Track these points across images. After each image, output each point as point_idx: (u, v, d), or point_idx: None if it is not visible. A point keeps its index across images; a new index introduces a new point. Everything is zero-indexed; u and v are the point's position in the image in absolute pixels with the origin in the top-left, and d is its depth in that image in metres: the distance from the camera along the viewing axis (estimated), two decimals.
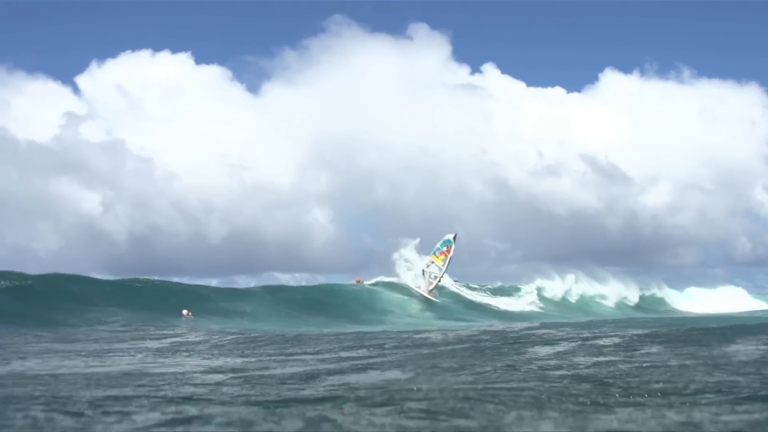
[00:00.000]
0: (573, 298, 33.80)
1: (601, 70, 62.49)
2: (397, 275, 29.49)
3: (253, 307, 22.12)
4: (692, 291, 41.02)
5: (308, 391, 5.60)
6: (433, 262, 30.10)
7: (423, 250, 30.03)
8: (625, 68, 70.78)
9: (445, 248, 30.02)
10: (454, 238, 29.60)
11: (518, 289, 33.74)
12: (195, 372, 7.38)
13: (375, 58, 33.12)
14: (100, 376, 6.93)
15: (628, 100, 50.66)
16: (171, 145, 41.80)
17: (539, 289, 33.36)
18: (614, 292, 35.42)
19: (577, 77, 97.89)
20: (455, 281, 32.27)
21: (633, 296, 36.31)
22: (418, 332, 13.78)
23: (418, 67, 34.35)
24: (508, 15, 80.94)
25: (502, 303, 31.22)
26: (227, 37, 76.29)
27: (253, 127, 43.69)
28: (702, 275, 44.72)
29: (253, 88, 71.32)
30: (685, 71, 60.60)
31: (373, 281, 28.81)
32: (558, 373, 6.42)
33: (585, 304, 33.60)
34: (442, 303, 28.82)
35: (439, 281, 29.75)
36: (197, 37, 75.36)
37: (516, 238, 39.38)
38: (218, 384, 6.22)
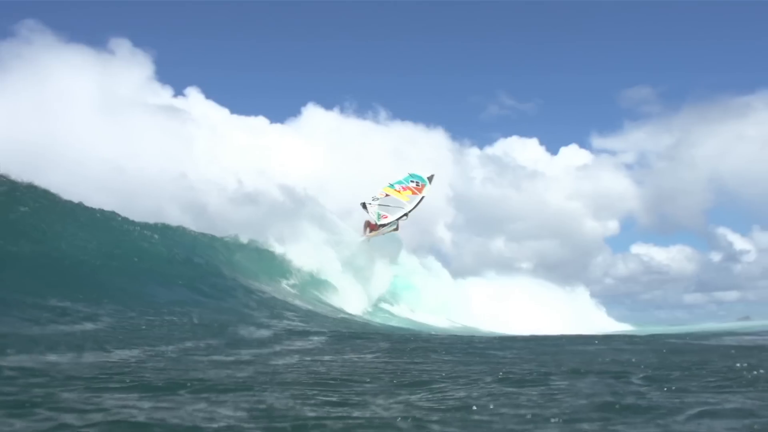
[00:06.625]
0: None
1: (304, 104, 64.31)
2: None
3: None
4: None
5: None
6: (388, 195, 24.12)
7: None
8: (327, 104, 74.58)
9: (412, 184, 24.45)
10: (430, 179, 24.57)
11: None
12: None
13: (70, 70, 29.23)
14: None
15: (328, 135, 51.79)
16: None
17: None
18: None
19: (281, 109, 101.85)
20: None
21: None
22: None
23: (118, 83, 31.02)
24: (214, 40, 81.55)
25: None
26: None
27: None
28: None
29: None
30: (382, 112, 64.85)
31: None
32: None
33: None
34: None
35: (401, 218, 24.02)
36: None
37: None
38: None
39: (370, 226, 24.06)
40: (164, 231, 20.26)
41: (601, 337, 12.29)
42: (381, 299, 26.92)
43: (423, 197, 24.08)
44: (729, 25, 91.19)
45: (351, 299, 23.98)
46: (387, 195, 24.92)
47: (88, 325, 9.92)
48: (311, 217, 25.85)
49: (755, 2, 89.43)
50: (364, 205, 23.15)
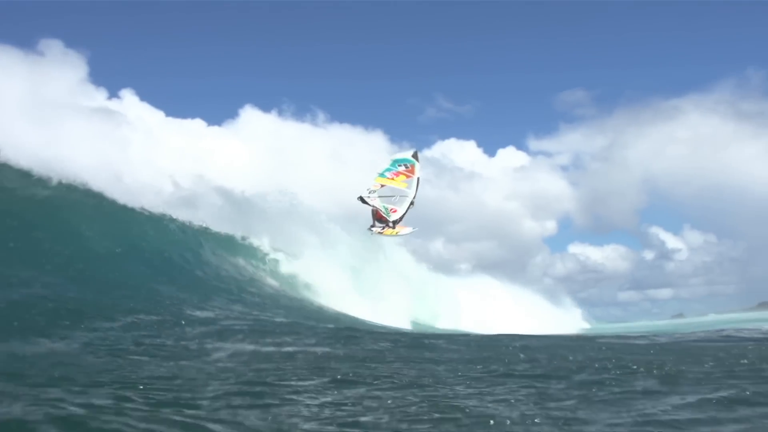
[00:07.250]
0: None
1: (242, 107, 65.17)
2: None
3: None
4: None
5: None
6: (383, 186, 22.58)
7: None
8: (265, 107, 74.62)
9: (401, 168, 22.69)
10: (416, 157, 23.07)
11: None
12: None
13: None
14: None
15: (266, 137, 52.52)
16: None
17: None
18: None
19: (218, 111, 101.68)
20: None
21: None
22: None
23: (49, 86, 29.86)
24: (150, 42, 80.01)
25: None
26: None
27: None
28: None
29: None
30: (320, 115, 65.85)
31: None
32: None
33: None
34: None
35: (409, 208, 22.63)
36: None
37: None
38: None
39: (380, 216, 22.32)
40: (151, 216, 21.21)
41: (544, 337, 12.19)
42: (363, 289, 26.63)
43: (419, 178, 23.01)
44: (660, 30, 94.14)
45: (341, 294, 24.18)
46: (382, 186, 23.76)
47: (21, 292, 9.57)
48: (301, 218, 25.99)
49: (686, 5, 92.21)
50: (362, 199, 21.60)
